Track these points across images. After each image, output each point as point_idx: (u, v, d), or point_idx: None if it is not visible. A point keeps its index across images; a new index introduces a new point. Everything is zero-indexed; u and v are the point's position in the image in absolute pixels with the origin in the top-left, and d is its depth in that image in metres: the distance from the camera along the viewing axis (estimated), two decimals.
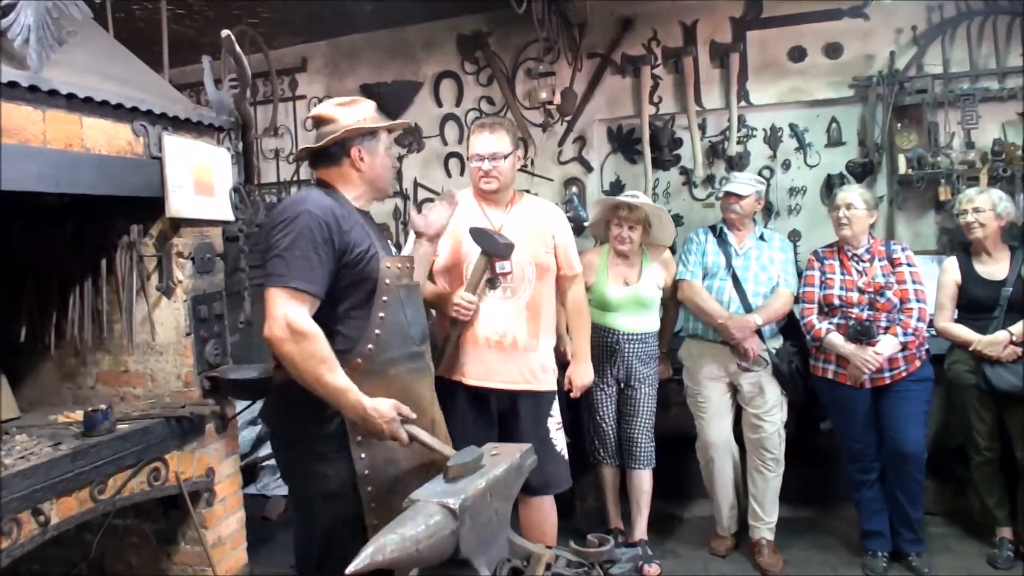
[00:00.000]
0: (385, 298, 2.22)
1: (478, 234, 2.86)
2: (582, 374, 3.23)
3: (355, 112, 2.33)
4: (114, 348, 3.14)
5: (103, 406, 2.71)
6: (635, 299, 3.65)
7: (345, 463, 2.18)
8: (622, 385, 3.71)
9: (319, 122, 2.36)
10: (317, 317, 2.11)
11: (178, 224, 2.92)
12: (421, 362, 2.37)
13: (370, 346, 2.20)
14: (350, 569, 1.31)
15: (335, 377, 2.07)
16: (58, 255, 3.08)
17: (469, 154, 3.04)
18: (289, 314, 2.04)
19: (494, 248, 2.83)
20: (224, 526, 3.05)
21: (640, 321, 3.67)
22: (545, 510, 3.11)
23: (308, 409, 2.17)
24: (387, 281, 2.24)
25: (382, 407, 2.10)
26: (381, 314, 2.22)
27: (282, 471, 2.50)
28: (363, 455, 2.18)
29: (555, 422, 3.09)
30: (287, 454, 2.38)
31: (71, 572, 3.16)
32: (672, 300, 3.83)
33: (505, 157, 2.96)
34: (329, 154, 2.33)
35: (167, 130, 2.81)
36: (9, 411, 3.00)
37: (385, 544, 1.32)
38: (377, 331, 2.22)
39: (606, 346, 3.64)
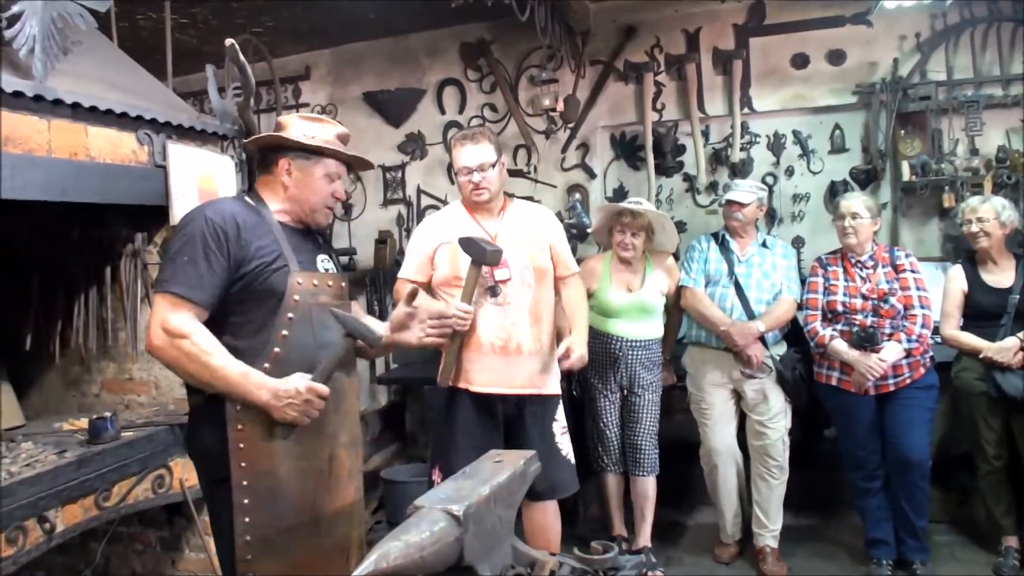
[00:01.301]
0: (291, 315, 2.05)
1: (466, 244, 2.83)
2: (579, 345, 3.07)
3: (308, 128, 2.17)
4: (118, 356, 3.15)
5: (108, 414, 2.72)
6: (638, 306, 3.65)
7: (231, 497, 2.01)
8: (625, 392, 3.71)
9: (278, 126, 2.22)
10: (211, 327, 2.00)
11: None
12: (331, 390, 2.12)
13: (267, 365, 2.02)
14: (355, 575, 1.31)
15: (228, 364, 1.95)
16: (63, 263, 3.09)
17: (456, 168, 3.01)
18: (165, 319, 1.93)
19: (482, 256, 2.81)
20: None
21: (643, 328, 3.67)
22: (549, 515, 3.11)
23: (203, 432, 2.09)
24: (296, 298, 2.06)
25: (291, 386, 1.98)
26: (284, 332, 2.05)
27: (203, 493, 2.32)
28: (244, 482, 2.01)
29: (560, 426, 3.09)
30: (200, 480, 2.24)
31: None
32: (675, 307, 3.83)
33: (492, 166, 2.96)
34: (264, 158, 2.21)
35: (171, 138, 2.83)
36: (14, 419, 3.01)
37: (389, 551, 1.31)
38: (276, 349, 2.04)
39: (609, 353, 3.64)
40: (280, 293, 2.06)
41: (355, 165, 2.33)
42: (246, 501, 2.00)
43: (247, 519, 2.00)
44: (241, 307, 2.05)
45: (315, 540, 2.11)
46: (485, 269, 2.84)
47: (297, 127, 2.17)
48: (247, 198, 2.20)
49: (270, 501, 2.02)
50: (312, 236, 2.29)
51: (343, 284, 2.25)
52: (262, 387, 1.97)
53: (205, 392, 2.03)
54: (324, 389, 2.03)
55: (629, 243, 3.62)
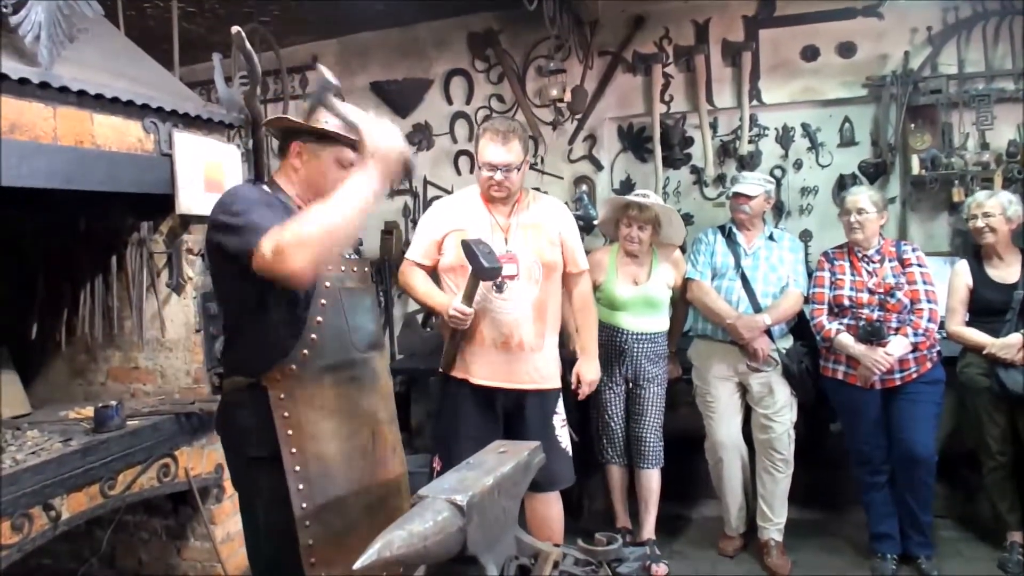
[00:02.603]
0: (324, 301, 2.06)
1: (468, 250, 2.79)
2: (589, 371, 3.21)
3: (325, 115, 2.13)
4: (124, 345, 3.16)
5: (113, 402, 2.73)
6: (644, 299, 3.64)
7: (280, 476, 2.02)
8: (630, 384, 3.70)
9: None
10: (247, 321, 2.03)
11: (188, 221, 2.93)
12: (363, 370, 2.19)
13: (305, 351, 2.04)
14: (357, 565, 1.31)
15: (331, 203, 1.84)
16: (69, 252, 3.10)
17: (480, 160, 2.99)
18: (268, 241, 1.80)
19: (480, 271, 2.79)
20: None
21: (649, 321, 3.66)
22: (550, 505, 3.12)
23: (244, 419, 2.08)
24: (327, 284, 2.08)
25: (373, 152, 1.88)
26: (319, 318, 2.06)
27: (234, 484, 2.32)
28: (297, 468, 2.02)
29: (560, 419, 3.10)
30: (233, 466, 2.23)
31: (82, 567, 3.18)
32: (681, 300, 3.82)
33: (518, 168, 2.95)
34: (281, 144, 2.21)
35: (177, 127, 2.83)
36: (21, 407, 3.03)
37: (392, 540, 1.31)
38: (313, 335, 2.05)
39: (615, 345, 3.63)
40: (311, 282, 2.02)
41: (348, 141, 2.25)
42: (301, 487, 2.02)
43: (304, 504, 2.02)
44: (279, 296, 2.01)
45: (368, 515, 2.14)
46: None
47: (318, 115, 2.14)
48: (264, 186, 2.19)
49: (323, 483, 2.06)
50: None
51: (366, 268, 2.28)
52: (367, 173, 1.88)
53: (247, 376, 2.04)
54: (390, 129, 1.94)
55: (636, 236, 3.61)
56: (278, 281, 1.85)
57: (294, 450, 2.02)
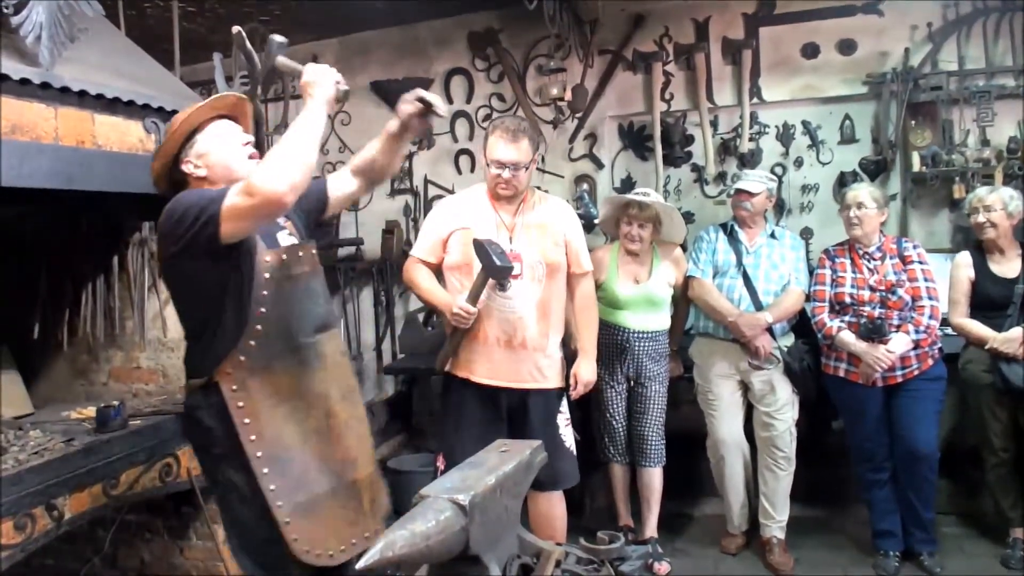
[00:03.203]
0: (264, 292, 2.11)
1: (480, 248, 2.82)
2: (586, 372, 3.19)
3: (170, 125, 2.19)
4: (126, 345, 3.16)
5: (115, 402, 2.73)
6: (645, 297, 3.64)
7: (243, 463, 2.10)
8: (632, 383, 3.70)
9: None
10: (199, 316, 2.13)
11: None
12: (311, 353, 2.23)
13: (252, 342, 2.11)
14: (360, 565, 1.31)
15: (292, 133, 2.03)
16: (70, 252, 3.10)
17: (488, 158, 2.99)
18: (241, 199, 1.94)
19: (492, 270, 2.80)
20: None
21: (650, 319, 3.66)
22: (554, 505, 3.12)
23: (203, 417, 2.15)
24: (266, 275, 2.12)
25: (312, 74, 2.15)
26: (261, 309, 2.12)
27: (207, 482, 2.42)
28: (259, 454, 2.10)
29: (564, 418, 3.10)
30: (203, 465, 2.32)
31: (84, 567, 3.18)
32: (683, 298, 3.81)
33: (526, 167, 2.95)
34: (176, 180, 2.21)
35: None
36: (23, 407, 3.03)
37: (395, 540, 1.31)
38: (258, 326, 2.12)
39: (616, 344, 3.63)
40: (251, 275, 2.11)
41: (232, 109, 2.29)
42: (266, 470, 2.10)
43: (273, 486, 2.10)
44: (222, 289, 2.09)
45: (331, 488, 2.23)
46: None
47: (168, 128, 2.20)
48: None
49: (286, 463, 2.13)
50: None
51: (312, 251, 2.29)
52: (311, 102, 2.11)
53: (196, 377, 2.14)
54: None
55: (636, 235, 3.60)
56: (259, 218, 2.00)
57: (253, 437, 2.10)
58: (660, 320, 3.70)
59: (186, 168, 2.19)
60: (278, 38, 2.26)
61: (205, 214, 1.97)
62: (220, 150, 2.19)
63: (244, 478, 2.11)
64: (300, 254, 2.23)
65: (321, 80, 2.13)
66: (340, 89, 2.18)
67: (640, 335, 3.64)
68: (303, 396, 2.21)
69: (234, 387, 2.10)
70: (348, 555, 2.19)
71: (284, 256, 2.18)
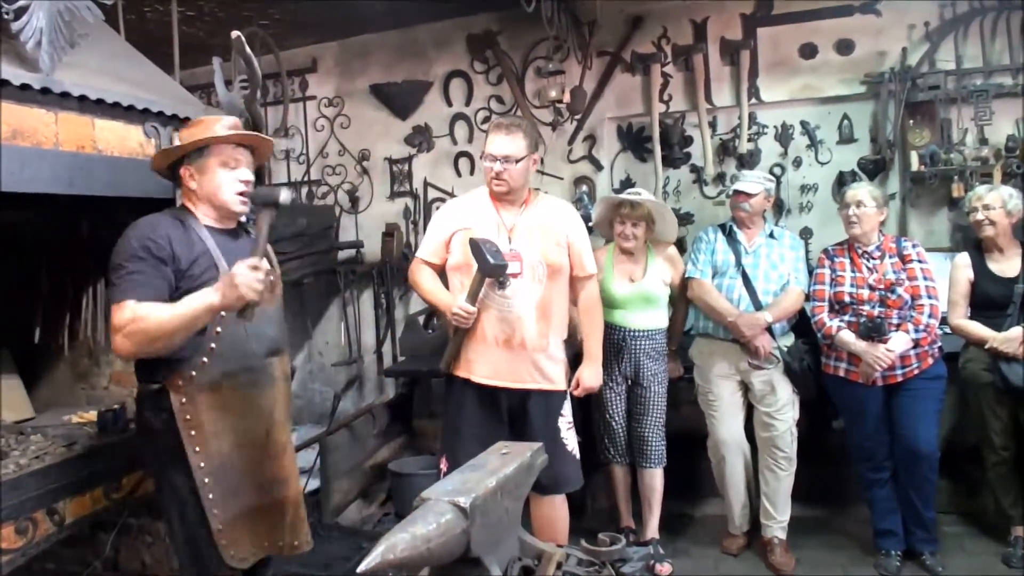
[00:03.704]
0: (223, 313, 2.14)
1: (474, 247, 2.84)
2: (589, 376, 3.18)
3: (191, 132, 2.32)
4: None
5: (116, 406, 2.73)
6: (641, 295, 3.65)
7: (189, 471, 2.23)
8: (631, 383, 3.71)
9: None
10: None
11: None
12: (261, 374, 2.37)
13: (204, 359, 2.23)
14: (362, 568, 1.31)
15: (173, 310, 2.06)
16: (71, 256, 3.10)
17: (484, 152, 3.03)
18: (114, 325, 2.09)
19: (486, 268, 2.82)
20: None
21: (647, 317, 3.67)
22: (556, 508, 3.12)
23: (151, 420, 2.27)
24: None
25: (227, 277, 2.05)
26: (217, 328, 2.23)
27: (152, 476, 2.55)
28: (202, 464, 2.23)
29: (566, 421, 3.09)
30: (148, 461, 2.47)
31: (85, 571, 3.18)
32: (680, 297, 3.82)
33: (518, 160, 2.95)
34: (172, 176, 2.39)
35: (178, 131, 2.82)
36: (24, 411, 3.03)
37: (396, 543, 1.32)
38: (212, 344, 2.24)
39: (613, 343, 3.63)
40: None
41: (249, 143, 2.39)
42: (207, 480, 2.24)
43: (211, 495, 2.24)
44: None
45: (260, 501, 2.38)
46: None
47: (184, 135, 2.35)
48: (175, 211, 2.36)
49: (224, 474, 2.27)
50: (241, 236, 2.44)
51: (271, 278, 2.34)
52: (208, 294, 2.06)
53: (150, 382, 2.25)
54: (253, 261, 2.06)
55: (630, 234, 3.62)
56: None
57: (197, 448, 2.22)
58: (657, 318, 3.71)
59: (183, 172, 2.33)
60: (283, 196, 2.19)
61: (112, 290, 2.14)
62: (217, 179, 2.31)
63: (187, 482, 2.23)
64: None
65: (235, 284, 2.03)
66: (246, 303, 2.07)
67: (636, 333, 3.65)
68: (249, 414, 2.34)
69: (183, 400, 2.21)
70: (256, 558, 2.37)
71: None
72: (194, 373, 2.21)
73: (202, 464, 2.22)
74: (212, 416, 2.25)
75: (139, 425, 2.38)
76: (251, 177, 2.37)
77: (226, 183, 2.31)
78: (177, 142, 2.34)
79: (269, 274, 2.17)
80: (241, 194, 2.33)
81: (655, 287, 3.68)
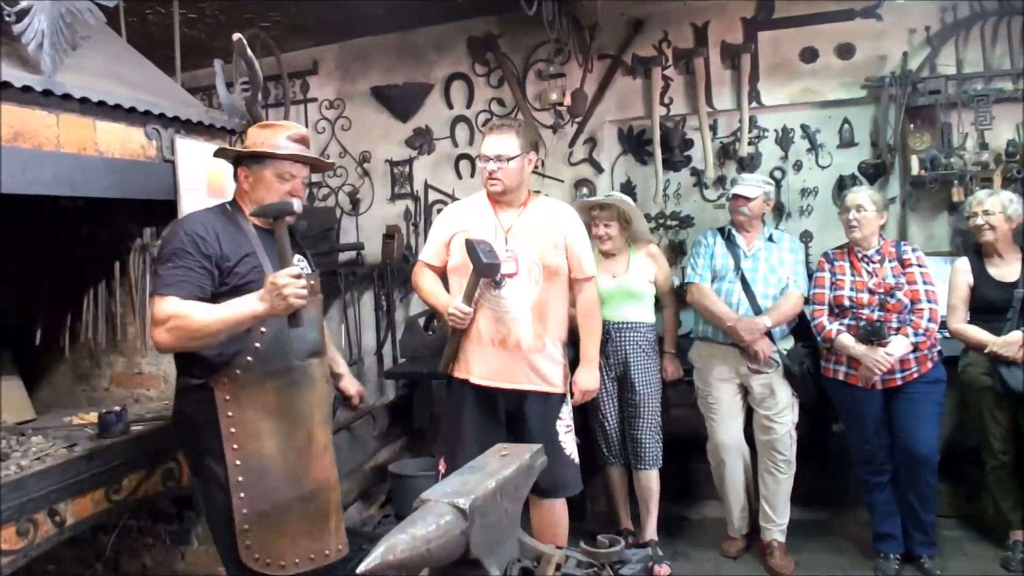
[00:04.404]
0: None
1: (469, 247, 2.87)
2: (586, 379, 3.18)
3: (261, 136, 2.39)
4: (127, 350, 3.17)
5: (117, 408, 2.74)
6: (623, 290, 3.68)
7: (224, 465, 2.27)
8: (621, 383, 3.72)
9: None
10: None
11: None
12: (302, 376, 2.40)
13: (248, 358, 2.27)
14: (361, 569, 1.32)
15: (215, 312, 2.13)
16: (72, 258, 3.11)
17: (479, 154, 3.06)
18: (154, 317, 2.17)
19: (479, 267, 2.84)
20: None
21: (630, 311, 3.70)
22: (556, 513, 3.11)
23: (193, 415, 2.32)
24: None
25: (266, 285, 2.11)
26: (263, 328, 2.27)
27: (189, 467, 2.64)
28: (237, 462, 2.26)
29: (564, 424, 3.09)
30: (187, 453, 2.54)
31: (86, 572, 3.19)
32: (668, 295, 3.84)
33: (511, 159, 2.96)
34: (233, 172, 2.46)
35: (179, 133, 2.84)
36: (25, 413, 3.03)
37: (396, 544, 1.32)
38: (256, 344, 2.28)
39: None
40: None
41: (311, 163, 2.51)
42: (240, 478, 2.26)
43: (242, 494, 2.26)
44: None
45: (299, 507, 2.37)
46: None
47: (251, 136, 2.42)
48: (227, 206, 2.43)
49: (260, 476, 2.29)
50: (285, 236, 2.42)
51: (313, 281, 2.42)
52: (251, 301, 2.13)
53: (193, 377, 2.29)
54: (293, 270, 2.14)
55: (604, 234, 3.69)
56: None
57: (235, 446, 2.26)
58: (640, 312, 3.72)
59: (240, 173, 2.42)
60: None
61: (155, 281, 2.23)
62: (271, 188, 2.37)
63: (224, 473, 2.27)
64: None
65: (280, 291, 2.09)
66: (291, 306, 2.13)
67: (620, 325, 3.67)
68: (289, 415, 2.35)
69: (227, 397, 2.26)
70: (302, 568, 2.35)
71: None
72: (239, 372, 2.26)
73: (238, 462, 2.26)
74: (254, 415, 2.29)
75: (178, 418, 2.42)
76: (302, 192, 2.45)
77: (276, 194, 2.36)
78: (247, 143, 2.42)
79: (310, 278, 2.25)
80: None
81: (637, 283, 3.71)
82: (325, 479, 2.46)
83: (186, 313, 2.12)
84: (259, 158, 2.36)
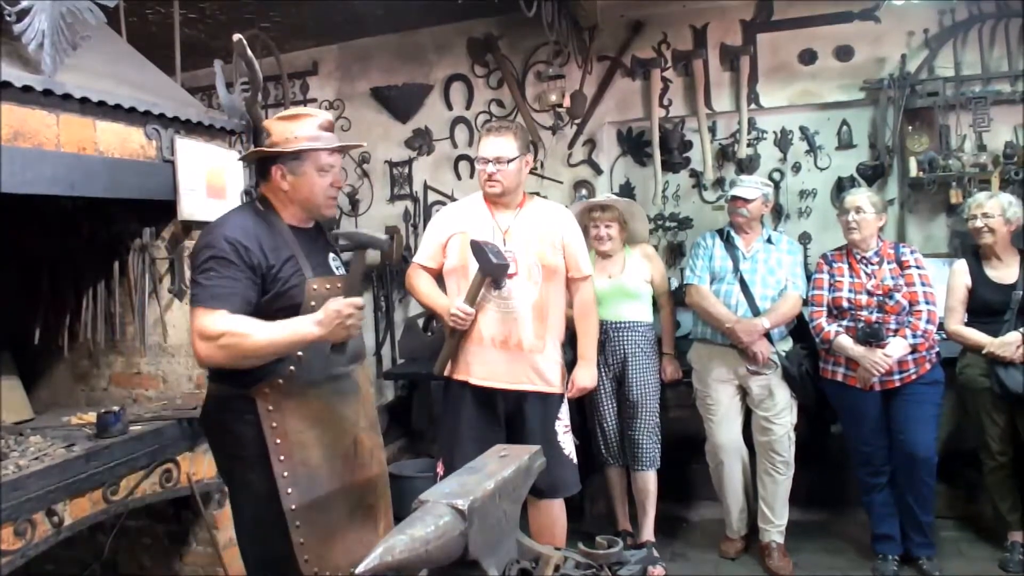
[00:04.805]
0: None
1: (476, 248, 2.86)
2: (584, 376, 3.19)
3: (288, 128, 2.24)
4: (126, 350, 3.16)
5: (116, 408, 2.73)
6: (619, 290, 3.70)
7: (268, 476, 2.19)
8: (619, 383, 3.72)
9: (263, 133, 2.33)
10: None
11: (190, 227, 2.94)
12: (346, 383, 2.37)
13: (292, 367, 2.21)
14: (359, 569, 1.32)
15: (272, 333, 2.06)
16: (72, 258, 3.10)
17: (476, 156, 3.07)
18: (201, 329, 2.06)
19: (488, 268, 2.84)
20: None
21: (627, 310, 3.71)
22: (554, 513, 3.12)
23: (232, 425, 2.23)
24: (312, 303, 2.20)
25: (332, 309, 2.06)
26: None
27: (220, 476, 2.56)
28: (286, 473, 2.19)
29: (563, 425, 3.09)
30: (220, 462, 2.43)
31: (84, 573, 3.19)
32: (665, 296, 3.86)
33: (510, 161, 2.97)
34: (259, 170, 2.33)
35: (179, 133, 2.84)
36: (23, 413, 3.03)
37: (394, 544, 1.32)
38: (300, 352, 2.20)
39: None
40: (299, 302, 2.21)
41: (347, 150, 2.43)
42: (290, 491, 2.19)
43: (293, 506, 2.19)
44: (268, 313, 2.15)
45: (349, 513, 2.32)
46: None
47: (278, 130, 2.25)
48: (258, 205, 2.32)
49: (309, 486, 2.22)
50: (320, 234, 2.44)
51: (341, 284, 2.35)
52: (309, 326, 2.07)
53: (234, 386, 2.19)
54: (359, 301, 2.14)
55: (604, 235, 3.70)
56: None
57: (282, 457, 2.19)
58: (638, 312, 3.73)
59: (275, 172, 2.26)
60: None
61: (199, 291, 2.11)
62: (312, 184, 2.27)
63: (266, 490, 2.18)
64: (339, 285, 2.31)
65: (334, 321, 2.07)
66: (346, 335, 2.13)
67: (617, 325, 3.68)
68: (334, 422, 2.31)
69: (270, 407, 2.19)
70: None
71: (328, 286, 2.27)
72: (281, 381, 2.19)
73: (286, 473, 2.19)
74: (299, 425, 2.22)
75: (215, 428, 2.33)
76: (341, 182, 2.38)
77: (320, 188, 2.28)
78: (274, 138, 2.25)
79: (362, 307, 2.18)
80: (332, 198, 2.34)
81: (633, 283, 3.72)
82: (373, 485, 2.43)
83: (243, 332, 2.04)
84: (294, 153, 2.23)
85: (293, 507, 2.19)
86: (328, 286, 2.26)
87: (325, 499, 2.25)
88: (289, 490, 2.18)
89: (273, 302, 2.17)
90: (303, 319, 2.10)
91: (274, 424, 2.19)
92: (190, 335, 2.17)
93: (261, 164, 2.30)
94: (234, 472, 2.31)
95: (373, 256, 2.17)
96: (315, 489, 2.23)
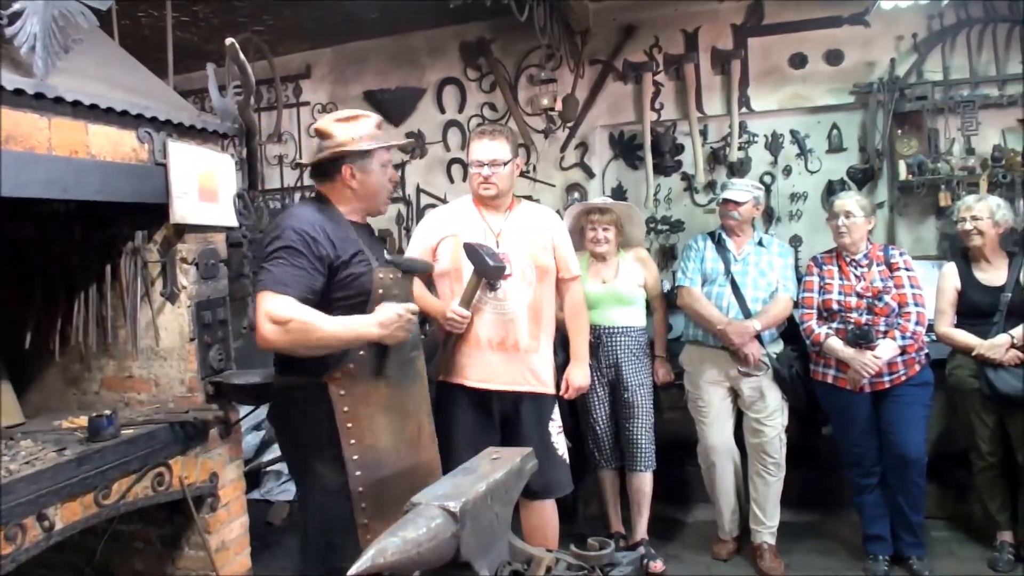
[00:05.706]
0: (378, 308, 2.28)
1: (471, 251, 2.88)
2: (578, 376, 3.24)
3: (352, 129, 2.40)
4: (118, 354, 3.14)
5: (107, 411, 2.72)
6: (613, 294, 3.71)
7: (338, 463, 2.28)
8: (614, 385, 3.74)
9: (319, 135, 2.45)
10: None
11: (182, 230, 2.93)
12: (411, 369, 2.47)
13: (362, 352, 2.30)
14: (352, 572, 1.32)
15: (335, 325, 2.19)
16: (63, 261, 3.09)
17: (469, 160, 3.09)
18: (269, 311, 2.16)
19: (484, 270, 2.86)
20: (228, 531, 3.06)
21: (621, 314, 3.72)
22: (546, 514, 3.13)
23: (303, 412, 2.33)
24: (380, 291, 2.33)
25: (391, 312, 2.22)
26: None
27: (289, 468, 2.69)
28: (355, 456, 2.28)
29: (556, 426, 3.11)
30: (290, 453, 2.53)
31: None
32: (658, 299, 3.87)
33: (504, 164, 3.00)
34: (324, 170, 2.45)
35: (172, 137, 2.83)
36: (14, 417, 3.01)
37: (386, 547, 1.33)
38: None
39: (589, 343, 3.63)
40: (368, 291, 2.33)
41: (401, 147, 2.56)
42: (359, 473, 2.29)
43: (361, 488, 2.29)
44: (339, 303, 2.29)
45: (410, 496, 2.30)
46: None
47: (344, 131, 2.39)
48: (321, 205, 2.43)
49: (376, 469, 2.32)
50: (372, 231, 2.59)
51: (406, 282, 2.49)
52: (369, 326, 2.22)
53: (306, 374, 2.29)
54: (413, 306, 2.32)
55: (601, 238, 3.71)
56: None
57: (352, 441, 2.29)
58: (632, 316, 3.75)
59: (345, 171, 2.40)
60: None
61: (266, 275, 2.23)
62: (379, 180, 2.45)
63: (334, 475, 2.28)
64: (395, 276, 2.43)
65: (390, 330, 2.24)
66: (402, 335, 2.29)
67: (611, 330, 3.69)
68: (401, 407, 2.42)
69: (342, 392, 2.29)
70: None
71: (392, 276, 2.39)
72: (352, 366, 2.29)
73: (355, 456, 2.28)
74: (368, 410, 2.32)
75: (286, 416, 2.45)
76: (397, 176, 2.52)
77: (385, 185, 2.47)
78: (341, 138, 2.39)
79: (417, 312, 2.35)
80: (392, 192, 2.54)
81: (627, 287, 3.74)
82: (432, 465, 2.52)
83: (312, 321, 2.16)
84: (362, 152, 2.38)
85: (360, 489, 2.27)
86: (392, 276, 2.38)
87: (389, 481, 2.33)
88: (358, 472, 2.28)
89: (343, 289, 2.29)
90: (365, 320, 2.23)
91: (346, 408, 2.28)
92: (255, 316, 2.26)
93: (322, 166, 2.43)
94: (306, 459, 2.38)
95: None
96: (381, 472, 2.32)
